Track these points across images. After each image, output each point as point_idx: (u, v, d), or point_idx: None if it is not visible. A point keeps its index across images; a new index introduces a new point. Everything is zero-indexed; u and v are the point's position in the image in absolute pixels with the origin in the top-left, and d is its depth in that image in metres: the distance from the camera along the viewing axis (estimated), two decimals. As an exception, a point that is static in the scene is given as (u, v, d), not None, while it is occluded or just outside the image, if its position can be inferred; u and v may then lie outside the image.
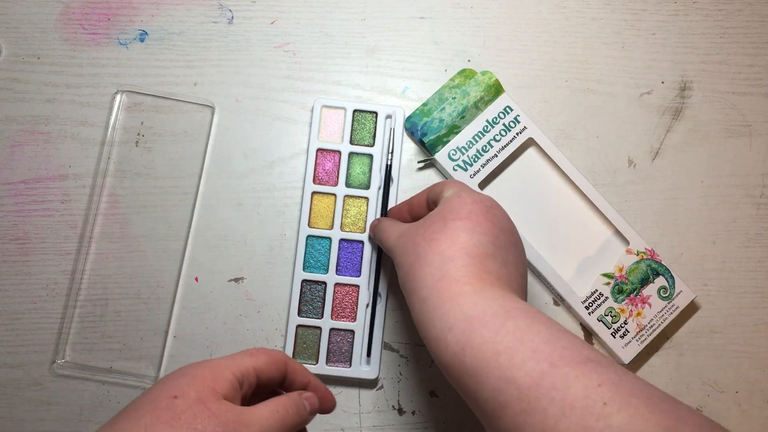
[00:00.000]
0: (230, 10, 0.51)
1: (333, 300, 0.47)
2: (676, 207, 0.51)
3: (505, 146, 0.49)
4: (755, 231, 0.51)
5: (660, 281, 0.48)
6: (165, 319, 0.48)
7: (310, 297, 0.47)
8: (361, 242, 0.48)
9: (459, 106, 0.48)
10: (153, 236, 0.49)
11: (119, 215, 0.49)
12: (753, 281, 0.50)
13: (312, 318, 0.47)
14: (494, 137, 0.49)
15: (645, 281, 0.48)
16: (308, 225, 0.48)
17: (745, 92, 0.52)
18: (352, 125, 0.49)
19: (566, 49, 0.52)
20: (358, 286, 0.48)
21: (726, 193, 0.51)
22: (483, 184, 0.49)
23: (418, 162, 0.50)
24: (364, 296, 0.47)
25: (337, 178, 0.49)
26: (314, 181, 0.48)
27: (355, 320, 0.47)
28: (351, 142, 0.49)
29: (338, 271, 0.48)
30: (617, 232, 0.49)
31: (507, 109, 0.49)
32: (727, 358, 0.50)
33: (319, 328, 0.47)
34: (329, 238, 0.48)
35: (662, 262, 0.48)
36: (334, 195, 0.48)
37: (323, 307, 0.47)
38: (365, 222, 0.48)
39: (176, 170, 0.49)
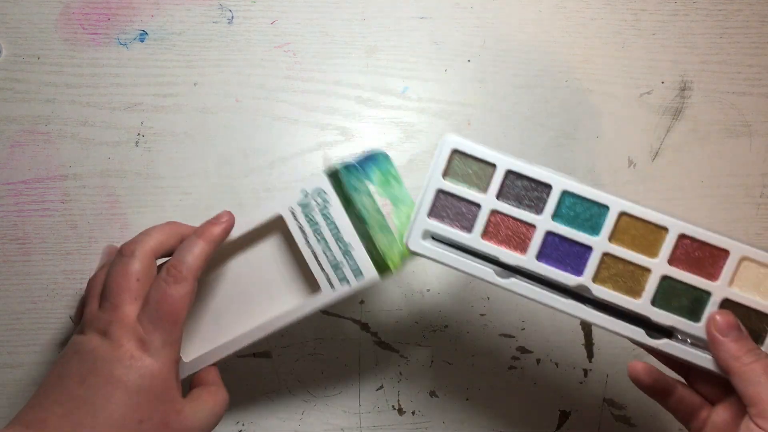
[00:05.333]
0: (230, 10, 0.51)
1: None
2: (676, 207, 0.51)
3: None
4: (755, 231, 0.51)
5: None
6: (165, 319, 0.48)
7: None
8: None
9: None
10: (153, 236, 0.49)
11: (119, 215, 0.49)
12: (753, 281, 0.50)
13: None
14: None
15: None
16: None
17: (745, 92, 0.52)
18: (755, 312, 0.37)
19: (566, 49, 0.52)
20: (524, 253, 0.38)
21: (726, 193, 0.51)
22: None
23: None
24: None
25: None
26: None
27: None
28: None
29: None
30: (618, 232, 0.49)
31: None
32: (727, 358, 0.50)
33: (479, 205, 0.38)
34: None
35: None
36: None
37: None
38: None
39: (176, 170, 0.49)
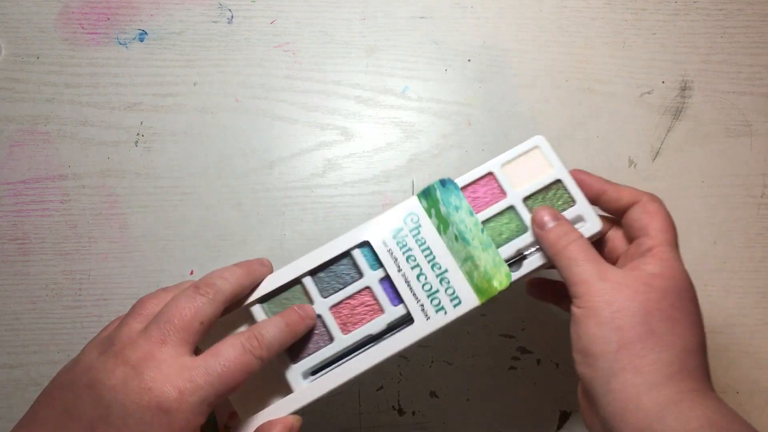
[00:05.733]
0: (230, 10, 0.51)
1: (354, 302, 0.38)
2: (677, 207, 0.51)
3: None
4: (756, 231, 0.51)
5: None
6: (165, 319, 0.48)
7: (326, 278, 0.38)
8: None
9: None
10: (153, 236, 0.49)
11: (119, 215, 0.49)
12: (754, 281, 0.50)
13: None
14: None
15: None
16: None
17: (746, 92, 0.52)
18: (545, 190, 0.38)
19: (566, 49, 0.52)
20: (382, 312, 0.37)
21: (726, 193, 0.51)
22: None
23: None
24: (384, 318, 0.37)
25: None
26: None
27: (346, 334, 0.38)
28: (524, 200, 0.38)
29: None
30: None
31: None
32: (727, 358, 0.50)
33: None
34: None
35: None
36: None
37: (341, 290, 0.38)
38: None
39: (176, 170, 0.49)
